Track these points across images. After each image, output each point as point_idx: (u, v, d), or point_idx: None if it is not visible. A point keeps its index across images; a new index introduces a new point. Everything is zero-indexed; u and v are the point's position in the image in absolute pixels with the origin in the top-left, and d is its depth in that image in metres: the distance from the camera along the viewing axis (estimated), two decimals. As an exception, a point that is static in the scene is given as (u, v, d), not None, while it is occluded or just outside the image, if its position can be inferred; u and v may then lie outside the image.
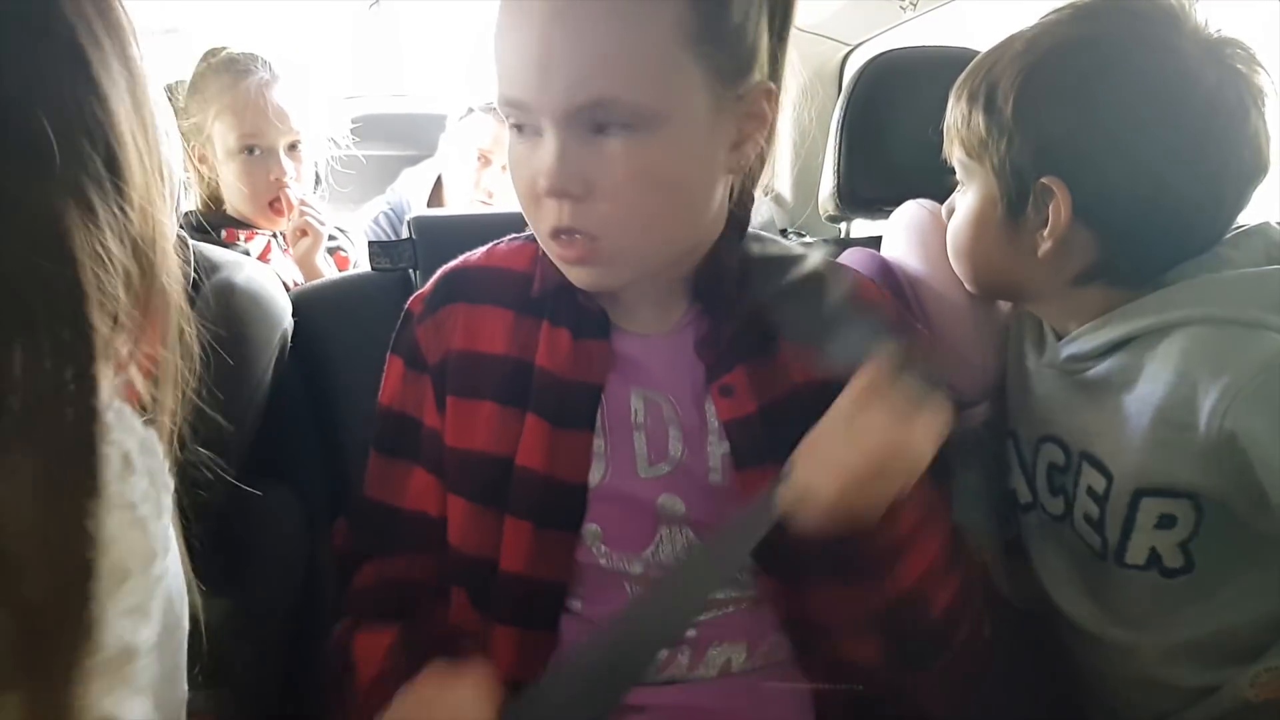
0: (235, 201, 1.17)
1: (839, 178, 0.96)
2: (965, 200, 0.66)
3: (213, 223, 1.15)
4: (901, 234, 0.80)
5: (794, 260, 0.64)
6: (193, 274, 0.73)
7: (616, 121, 0.50)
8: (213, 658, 0.45)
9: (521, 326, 0.61)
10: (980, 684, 0.74)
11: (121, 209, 0.36)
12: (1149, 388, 0.58)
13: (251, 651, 0.62)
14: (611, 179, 0.51)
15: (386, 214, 1.84)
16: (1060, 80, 0.59)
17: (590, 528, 0.58)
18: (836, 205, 0.98)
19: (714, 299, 0.61)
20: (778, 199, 1.84)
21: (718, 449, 0.60)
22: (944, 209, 0.70)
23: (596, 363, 0.60)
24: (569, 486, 0.58)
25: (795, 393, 0.60)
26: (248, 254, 1.16)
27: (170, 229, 0.41)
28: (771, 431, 0.58)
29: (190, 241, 0.78)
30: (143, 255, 0.37)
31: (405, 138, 2.11)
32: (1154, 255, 0.61)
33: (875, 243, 0.90)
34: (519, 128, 0.54)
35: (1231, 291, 0.57)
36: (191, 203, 1.20)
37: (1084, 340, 0.62)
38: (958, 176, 0.68)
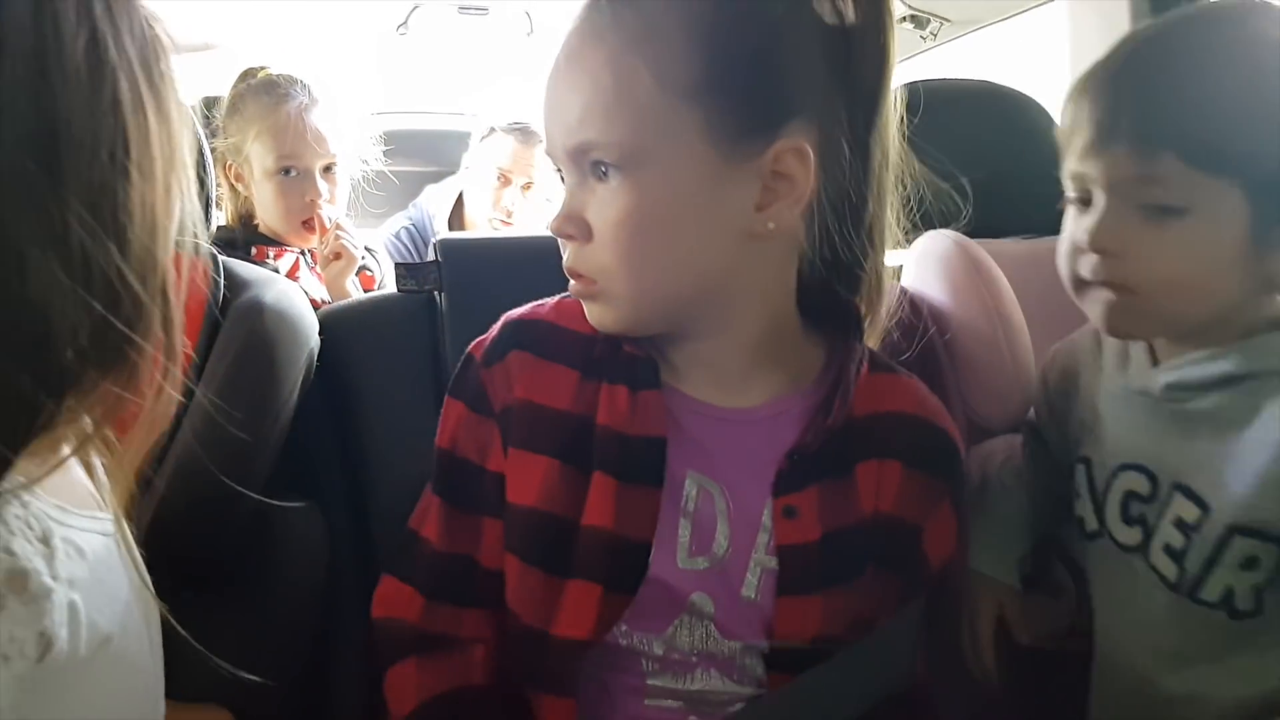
0: (269, 220, 1.19)
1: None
2: (1186, 226, 0.57)
3: (243, 240, 1.17)
4: (924, 264, 0.81)
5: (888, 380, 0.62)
6: (222, 291, 0.75)
7: (607, 162, 0.53)
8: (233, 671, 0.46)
9: (585, 388, 0.60)
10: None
11: (117, 236, 0.34)
12: (1269, 429, 0.56)
13: (272, 663, 0.63)
14: (605, 220, 0.54)
15: (408, 229, 1.85)
16: None
17: None
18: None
19: (818, 403, 0.59)
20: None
21: (761, 561, 0.58)
22: (1090, 235, 0.60)
23: (654, 413, 0.58)
24: (635, 545, 0.57)
25: (863, 524, 0.58)
26: (276, 271, 1.18)
27: (166, 261, 0.39)
28: (828, 562, 0.57)
29: (221, 258, 0.80)
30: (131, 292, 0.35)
31: (429, 154, 2.14)
32: None
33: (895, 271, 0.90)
34: (561, 178, 0.58)
35: None
36: (222, 219, 1.22)
37: (1188, 370, 0.60)
38: (1156, 199, 0.58)
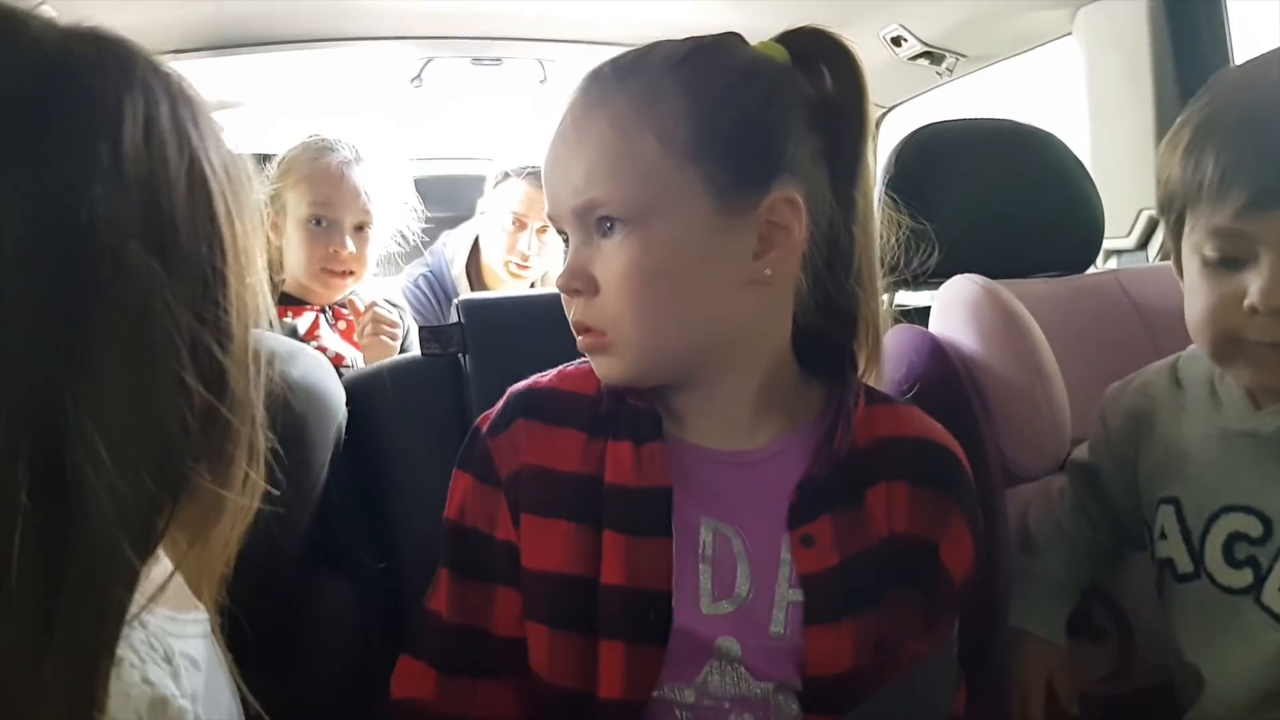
0: (293, 269, 1.21)
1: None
2: None
3: (263, 297, 1.18)
4: (951, 311, 0.80)
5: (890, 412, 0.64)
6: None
7: (612, 218, 0.56)
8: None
9: (592, 447, 0.61)
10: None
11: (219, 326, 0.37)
12: None
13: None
14: (612, 272, 0.57)
15: (426, 276, 1.86)
16: None
17: None
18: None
19: (820, 437, 0.61)
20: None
21: (786, 596, 0.59)
22: (1265, 296, 0.56)
23: (658, 465, 0.59)
24: (654, 595, 0.57)
25: (880, 545, 0.60)
26: (295, 330, 1.19)
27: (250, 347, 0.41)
28: (850, 585, 0.58)
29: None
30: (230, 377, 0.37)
31: (445, 199, 2.16)
32: None
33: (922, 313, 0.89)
34: (566, 240, 0.61)
35: None
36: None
37: None
38: None
